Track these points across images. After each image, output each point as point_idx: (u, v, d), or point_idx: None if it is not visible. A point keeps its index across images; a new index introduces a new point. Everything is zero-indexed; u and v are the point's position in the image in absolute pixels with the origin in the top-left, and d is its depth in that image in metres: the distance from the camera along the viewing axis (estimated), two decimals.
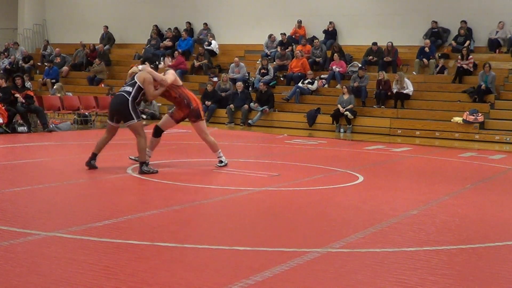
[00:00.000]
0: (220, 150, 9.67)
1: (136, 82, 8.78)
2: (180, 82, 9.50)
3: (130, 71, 9.26)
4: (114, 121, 8.94)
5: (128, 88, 8.76)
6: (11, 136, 13.51)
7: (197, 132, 9.61)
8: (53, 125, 15.57)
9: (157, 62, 9.25)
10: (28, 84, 16.66)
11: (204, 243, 5.14)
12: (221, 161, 9.63)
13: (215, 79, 21.89)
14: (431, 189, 8.35)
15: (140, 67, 9.17)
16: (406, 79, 18.94)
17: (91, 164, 8.94)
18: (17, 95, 14.83)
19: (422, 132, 17.71)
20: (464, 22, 20.76)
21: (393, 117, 18.51)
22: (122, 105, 8.69)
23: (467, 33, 20.67)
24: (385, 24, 21.99)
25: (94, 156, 8.99)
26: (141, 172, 8.68)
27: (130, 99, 8.68)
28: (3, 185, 7.53)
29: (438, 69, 20.05)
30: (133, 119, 8.70)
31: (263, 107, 19.59)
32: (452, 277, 4.49)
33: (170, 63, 23.27)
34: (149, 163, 9.03)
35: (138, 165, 8.92)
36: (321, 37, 22.79)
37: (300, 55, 21.27)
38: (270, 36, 23.06)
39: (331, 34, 22.71)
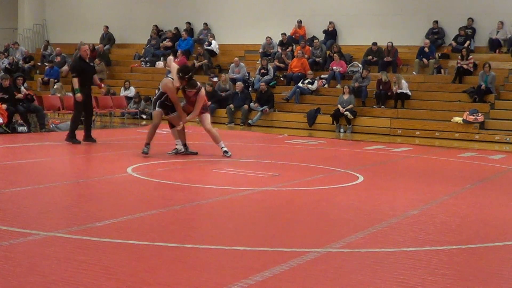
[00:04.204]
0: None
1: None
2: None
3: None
4: None
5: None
6: (11, 136, 13.50)
7: (204, 123, 10.83)
8: (53, 125, 15.54)
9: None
10: (24, 85, 16.55)
11: (204, 243, 5.14)
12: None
13: (215, 79, 21.88)
14: (431, 189, 8.34)
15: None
16: (403, 80, 18.94)
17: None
18: (19, 96, 14.82)
19: (422, 132, 17.70)
20: (471, 19, 20.75)
21: (393, 117, 18.50)
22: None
23: (469, 33, 20.64)
24: (385, 24, 21.98)
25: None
26: (143, 152, 10.36)
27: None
28: (3, 185, 7.52)
29: (435, 69, 20.05)
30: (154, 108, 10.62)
31: (263, 107, 19.59)
32: (452, 277, 4.49)
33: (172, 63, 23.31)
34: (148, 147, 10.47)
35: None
36: (321, 37, 22.78)
37: (301, 54, 21.27)
38: (266, 38, 23.01)
39: (331, 34, 22.70)
